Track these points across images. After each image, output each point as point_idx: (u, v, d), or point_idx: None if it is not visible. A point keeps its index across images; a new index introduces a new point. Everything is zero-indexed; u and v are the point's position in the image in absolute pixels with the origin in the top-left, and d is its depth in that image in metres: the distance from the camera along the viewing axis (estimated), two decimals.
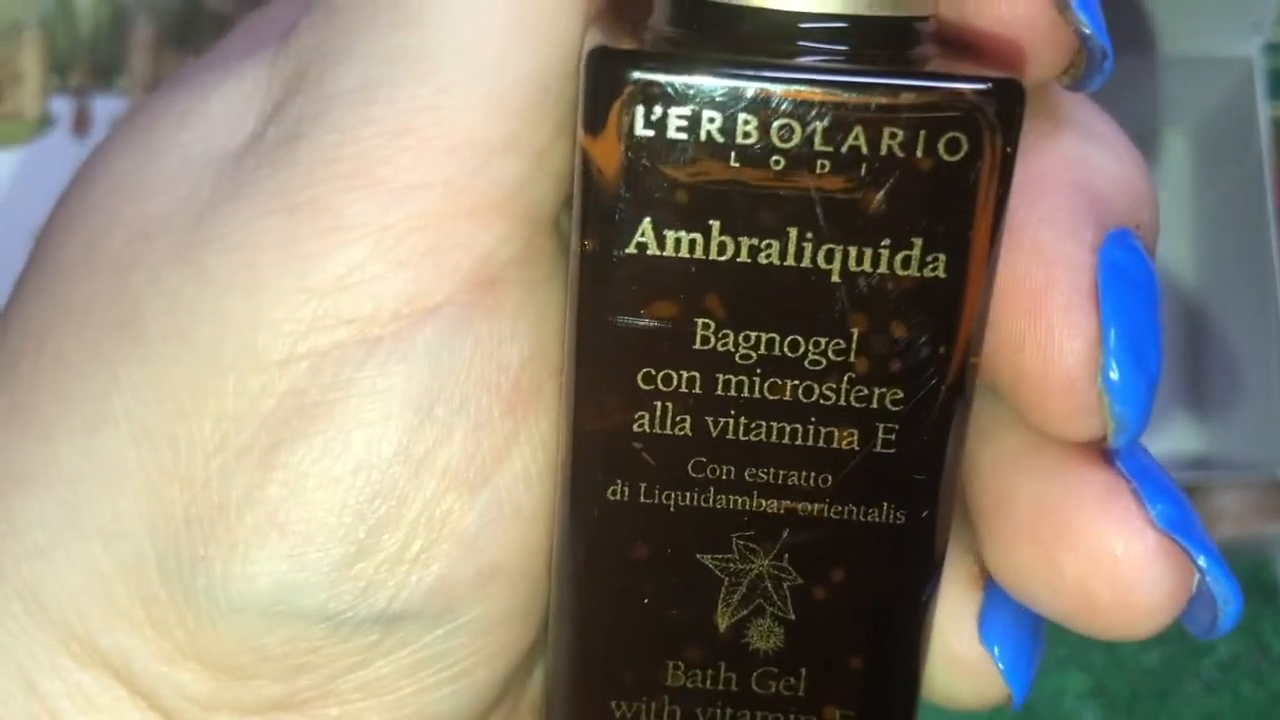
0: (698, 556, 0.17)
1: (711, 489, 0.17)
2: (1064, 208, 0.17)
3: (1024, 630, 0.19)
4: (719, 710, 0.18)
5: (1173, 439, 0.40)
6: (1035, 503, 0.17)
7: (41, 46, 0.32)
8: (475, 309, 0.17)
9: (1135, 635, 0.17)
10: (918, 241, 0.15)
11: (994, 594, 0.19)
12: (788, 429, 0.16)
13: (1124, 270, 0.17)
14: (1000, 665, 0.19)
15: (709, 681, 0.18)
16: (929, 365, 0.16)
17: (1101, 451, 0.17)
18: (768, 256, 0.15)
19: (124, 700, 0.18)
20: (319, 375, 0.17)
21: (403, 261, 0.17)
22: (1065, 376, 0.16)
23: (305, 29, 0.18)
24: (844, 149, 0.15)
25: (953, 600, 0.19)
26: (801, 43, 0.15)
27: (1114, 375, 0.16)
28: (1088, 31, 0.16)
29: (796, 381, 0.16)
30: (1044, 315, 0.16)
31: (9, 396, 0.19)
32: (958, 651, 0.19)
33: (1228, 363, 0.40)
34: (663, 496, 0.17)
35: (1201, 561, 0.17)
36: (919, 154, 0.15)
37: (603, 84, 0.15)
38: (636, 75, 0.15)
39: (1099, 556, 0.17)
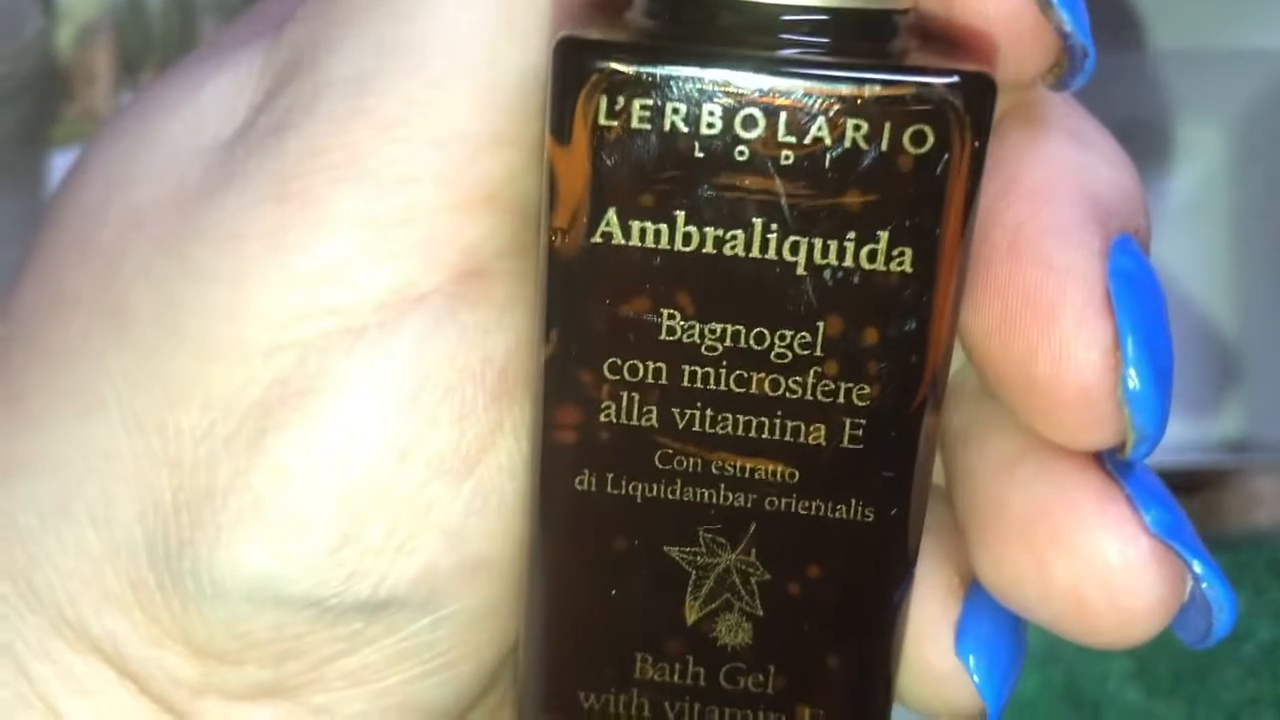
0: (665, 549, 0.17)
1: (678, 481, 0.17)
2: (1068, 217, 0.17)
3: (1001, 643, 0.18)
4: (687, 704, 0.18)
5: (1210, 422, 0.40)
6: (1028, 507, 0.17)
7: (113, 48, 0.33)
8: (461, 300, 0.17)
9: (1126, 642, 0.17)
10: (883, 235, 0.15)
11: (972, 605, 0.18)
12: (754, 422, 0.16)
13: (1133, 278, 0.16)
14: (975, 677, 0.18)
15: (677, 675, 0.18)
16: (898, 361, 0.16)
17: (1095, 457, 0.17)
18: (733, 248, 0.15)
19: (114, 683, 0.19)
20: (305, 364, 0.17)
21: (390, 253, 0.17)
22: (1081, 388, 0.16)
23: (299, 21, 0.18)
24: (807, 140, 0.15)
25: (929, 610, 0.18)
26: (781, 35, 0.15)
27: (1134, 385, 0.16)
28: (1069, 30, 0.16)
29: (763, 374, 0.16)
30: (1056, 327, 0.16)
31: (2, 384, 0.19)
32: (932, 661, 0.18)
33: (1265, 347, 0.39)
34: (629, 488, 0.17)
35: (1197, 567, 0.17)
36: (884, 147, 0.15)
37: (568, 73, 0.15)
38: (600, 64, 0.15)
39: (1092, 561, 0.17)
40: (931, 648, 0.18)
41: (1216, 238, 0.40)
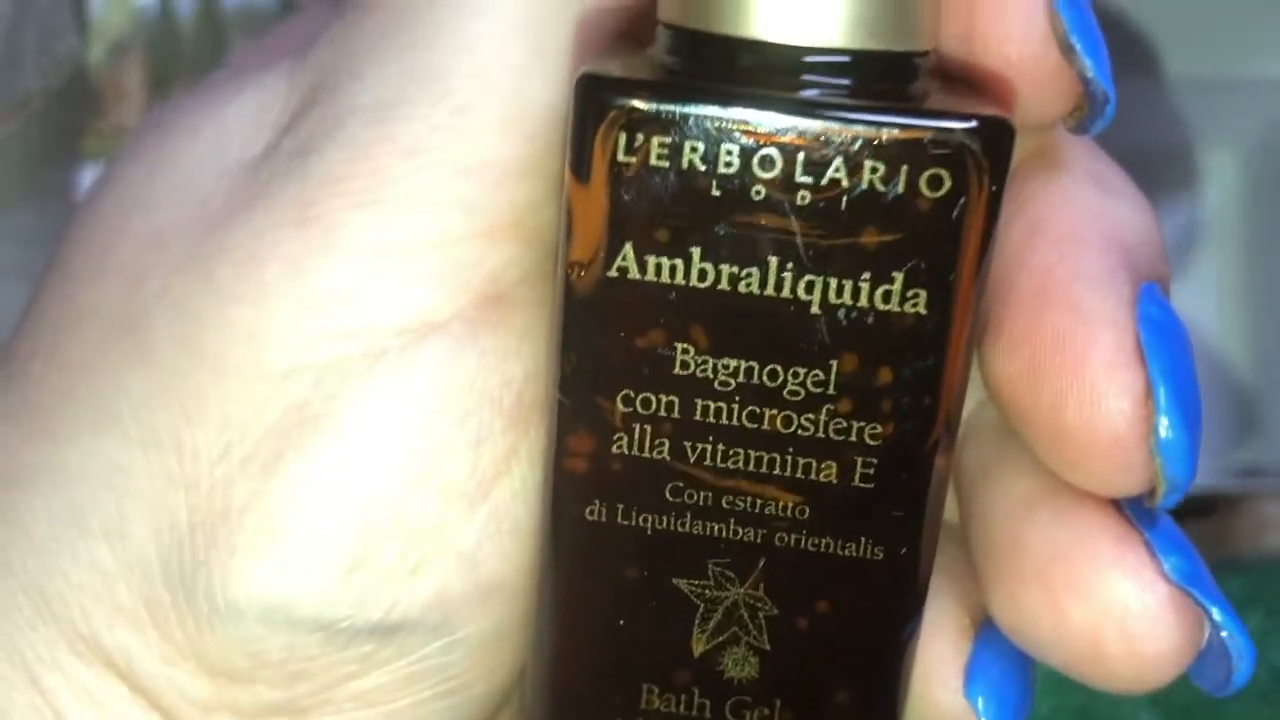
0: (674, 581, 0.17)
1: (688, 514, 0.17)
2: (1097, 263, 0.17)
3: (1011, 685, 0.18)
4: None
5: (1222, 447, 0.39)
6: (1046, 550, 0.17)
7: (144, 64, 0.34)
8: (481, 325, 0.17)
9: (1141, 687, 0.17)
10: (899, 276, 0.15)
11: (983, 647, 0.18)
12: (765, 458, 0.16)
13: (1161, 325, 0.16)
14: (982, 717, 0.18)
15: (683, 707, 0.18)
16: (911, 402, 0.16)
17: (1114, 502, 0.17)
18: (748, 285, 0.16)
19: (125, 698, 0.19)
20: (322, 387, 0.17)
21: (411, 278, 0.17)
22: (1113, 436, 0.16)
23: (324, 44, 0.18)
24: (825, 181, 0.15)
25: (940, 650, 0.18)
26: (802, 76, 0.15)
27: (1166, 434, 0.16)
28: (1090, 75, 0.16)
29: (775, 411, 0.16)
30: (1087, 374, 0.16)
31: (20, 396, 0.19)
32: (940, 701, 0.18)
33: (1279, 372, 0.39)
34: (640, 519, 0.17)
35: (1216, 615, 0.17)
36: (901, 189, 0.15)
37: (588, 109, 0.15)
38: (620, 101, 0.15)
39: (1110, 606, 0.17)
40: (940, 688, 0.18)
41: (1231, 264, 0.40)
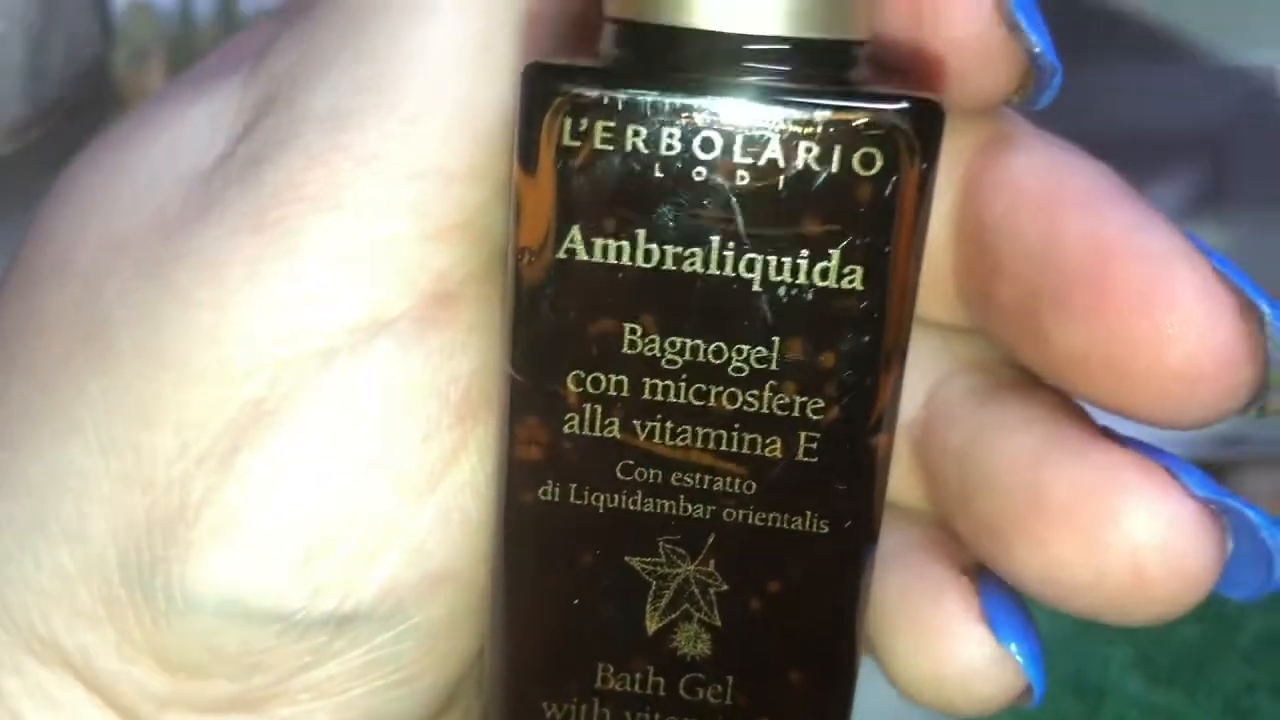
0: (626, 559, 0.17)
1: (639, 492, 0.17)
2: (1137, 211, 0.17)
3: (1029, 627, 0.19)
4: (648, 715, 0.18)
5: None
6: (1070, 493, 0.17)
7: (165, 67, 0.34)
8: (429, 323, 0.18)
9: (1180, 608, 0.17)
10: (835, 253, 0.16)
11: (993, 598, 0.19)
12: (713, 435, 0.17)
13: (1215, 256, 0.17)
14: (1019, 659, 0.18)
15: (638, 686, 0.18)
16: (850, 374, 0.16)
17: (1121, 439, 0.18)
18: (692, 265, 0.16)
19: (82, 698, 0.19)
20: (277, 385, 0.18)
21: (364, 281, 0.18)
22: (1225, 357, 0.16)
23: (276, 53, 0.19)
24: (762, 162, 0.16)
25: (951, 609, 0.19)
26: (742, 64, 0.16)
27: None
28: (1037, 50, 0.17)
29: (721, 388, 0.17)
30: (1183, 309, 0.16)
31: None
32: (966, 656, 0.18)
33: None
34: (592, 498, 0.17)
35: (1251, 515, 0.17)
36: (835, 169, 0.16)
37: (534, 96, 0.16)
38: (565, 88, 0.16)
39: (1149, 530, 0.17)
40: (964, 644, 0.18)
41: (1210, 238, 0.41)
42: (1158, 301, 0.16)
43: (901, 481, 0.19)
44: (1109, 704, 0.40)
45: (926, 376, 0.19)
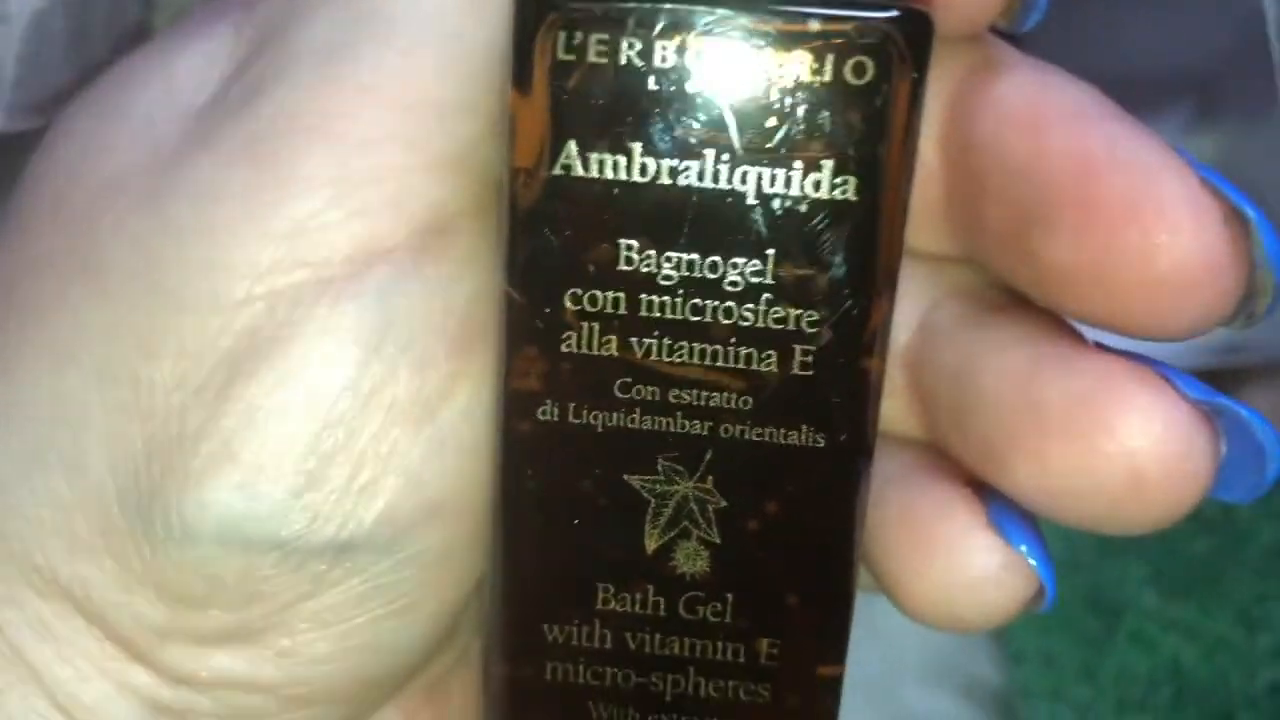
0: (625, 478, 0.18)
1: (637, 410, 0.17)
2: (1121, 126, 0.17)
3: (1036, 532, 0.19)
4: (649, 635, 0.18)
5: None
6: (1065, 403, 0.17)
7: None
8: (425, 254, 0.18)
9: (1178, 512, 0.17)
10: (827, 164, 0.16)
11: (998, 506, 0.19)
12: (709, 350, 0.17)
13: (1199, 165, 0.17)
14: (1032, 562, 0.18)
15: (638, 605, 0.18)
16: (844, 288, 0.17)
17: (1112, 350, 0.18)
18: (686, 178, 0.16)
19: (81, 630, 0.19)
20: (274, 314, 0.18)
21: (358, 210, 0.18)
22: (1212, 262, 0.16)
23: None
24: (755, 72, 0.16)
25: (961, 521, 0.18)
26: None
27: (1266, 240, 0.16)
28: None
29: (716, 303, 0.17)
30: (1171, 215, 0.16)
31: None
32: (976, 565, 0.18)
33: None
34: (591, 417, 0.17)
35: (1244, 415, 0.17)
36: (827, 78, 0.16)
37: (528, 12, 0.16)
38: (557, 2, 0.16)
39: (1145, 434, 0.17)
40: (975, 553, 0.18)
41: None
42: (1144, 211, 0.16)
43: (898, 409, 0.20)
44: (1126, 619, 0.41)
45: (918, 304, 0.19)
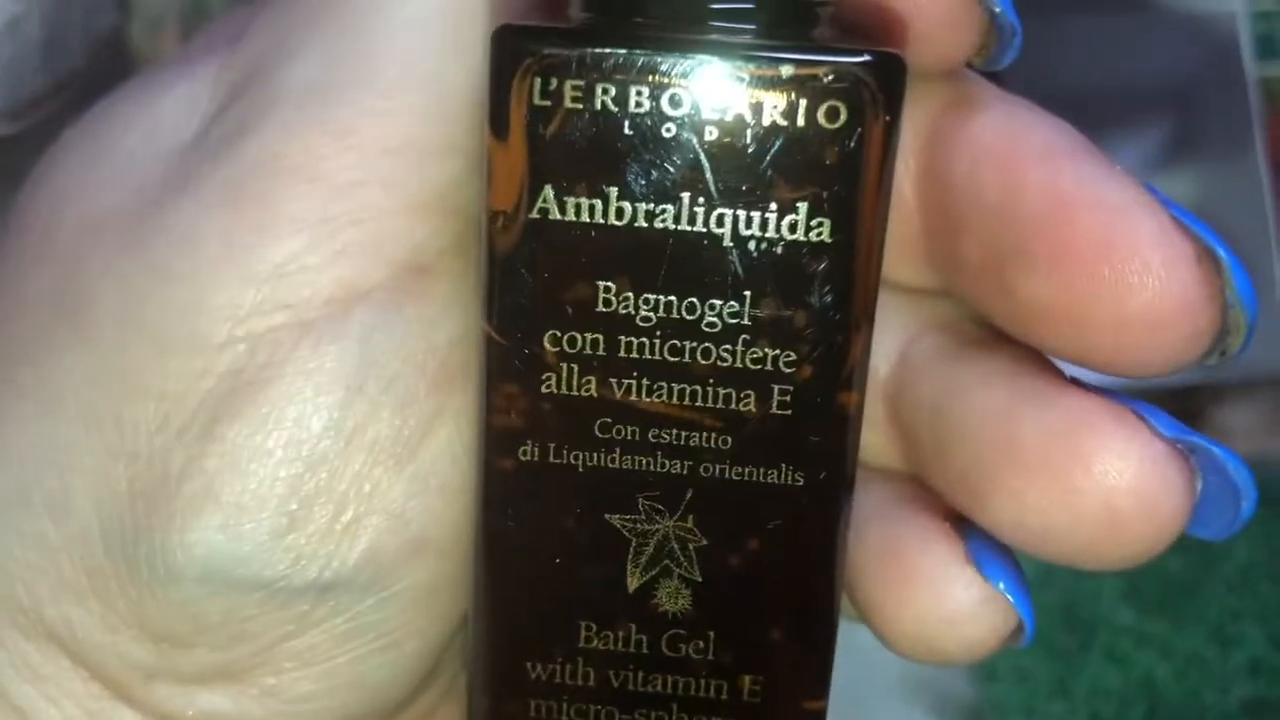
0: (606, 517, 0.18)
1: (617, 449, 0.17)
2: (1095, 164, 0.17)
3: (1015, 568, 0.19)
4: (632, 673, 0.18)
5: None
6: (1042, 440, 0.17)
7: (180, 38, 0.35)
8: (406, 295, 0.18)
9: (1152, 551, 0.17)
10: (802, 206, 0.16)
11: (977, 542, 0.19)
12: (688, 390, 0.17)
13: (1176, 207, 0.17)
14: (1009, 597, 0.18)
15: (621, 644, 0.18)
16: (821, 328, 0.17)
17: (1089, 386, 0.18)
18: (663, 221, 0.16)
19: (67, 670, 0.19)
20: (256, 356, 0.18)
21: (339, 252, 0.18)
22: (1184, 301, 0.16)
23: (252, 37, 0.19)
24: (729, 117, 0.16)
25: (938, 555, 0.19)
26: (709, 23, 0.16)
27: (1238, 280, 0.16)
28: (998, 10, 0.17)
29: (695, 344, 0.17)
30: (1143, 255, 0.16)
31: None
32: (954, 598, 0.18)
33: None
34: (571, 457, 0.17)
35: (1218, 453, 0.17)
36: (800, 122, 0.16)
37: (504, 58, 0.16)
38: (534, 47, 0.16)
39: (1123, 472, 0.17)
40: (953, 587, 0.18)
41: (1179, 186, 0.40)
42: (1117, 250, 0.17)
43: (878, 441, 0.20)
44: (1100, 634, 0.41)
45: (896, 337, 0.20)
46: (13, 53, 0.27)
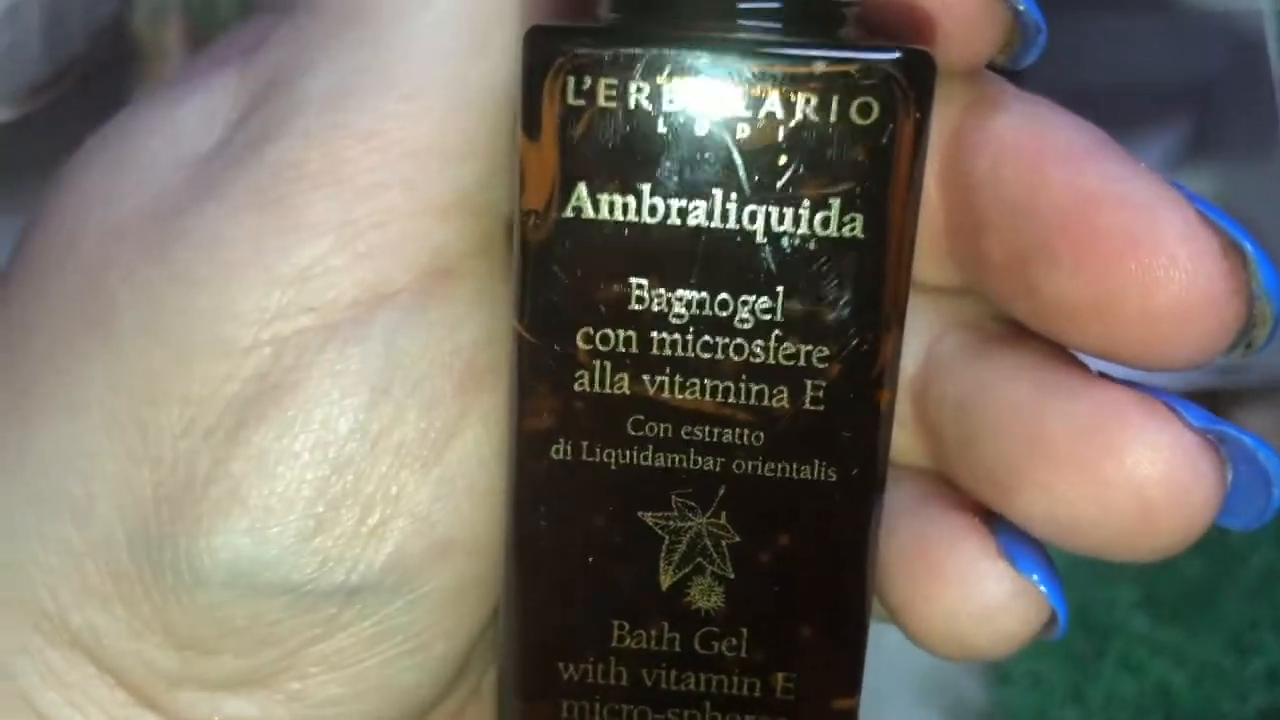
0: (639, 515, 0.18)
1: (650, 447, 0.17)
2: (1119, 162, 0.17)
3: (1047, 560, 0.19)
4: (664, 672, 0.18)
5: None
6: (1072, 433, 0.17)
7: (182, 25, 0.35)
8: (430, 296, 0.18)
9: (1185, 540, 0.17)
10: (835, 202, 0.16)
11: (1008, 535, 0.19)
12: (720, 387, 0.17)
13: (1202, 202, 0.17)
14: (1043, 589, 0.18)
15: (654, 642, 0.18)
16: (854, 323, 0.17)
17: (1116, 379, 0.18)
18: (696, 218, 0.16)
19: (92, 677, 0.19)
20: (281, 359, 0.18)
21: (363, 254, 0.18)
22: (1210, 295, 0.17)
23: (273, 45, 0.19)
24: (761, 114, 0.16)
25: (970, 550, 0.19)
26: (738, 21, 0.16)
27: (1264, 273, 0.17)
28: (1022, 8, 0.17)
29: (727, 340, 0.17)
30: (1168, 251, 0.17)
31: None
32: (986, 592, 0.18)
33: None
34: (604, 455, 0.17)
35: (1249, 443, 0.17)
36: (832, 118, 0.16)
37: (536, 58, 0.16)
38: (566, 47, 0.16)
39: (1155, 462, 0.17)
40: (986, 581, 0.18)
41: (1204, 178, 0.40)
42: (1142, 245, 0.17)
43: (906, 439, 0.20)
44: (1115, 642, 0.41)
45: (921, 336, 0.20)
46: (13, 39, 0.27)
